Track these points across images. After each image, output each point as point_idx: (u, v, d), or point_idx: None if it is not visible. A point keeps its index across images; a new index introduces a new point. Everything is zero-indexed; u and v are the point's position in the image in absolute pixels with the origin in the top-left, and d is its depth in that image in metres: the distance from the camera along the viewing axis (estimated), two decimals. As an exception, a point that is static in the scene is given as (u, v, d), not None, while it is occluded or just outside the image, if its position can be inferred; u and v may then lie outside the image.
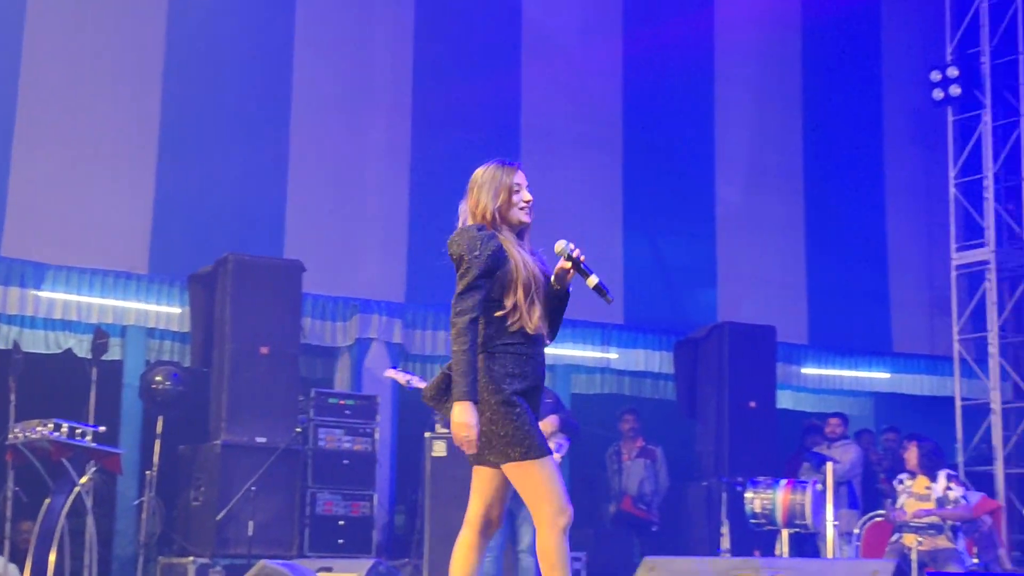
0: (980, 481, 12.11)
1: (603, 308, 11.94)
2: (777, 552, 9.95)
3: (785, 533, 9.97)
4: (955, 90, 12.67)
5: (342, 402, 10.22)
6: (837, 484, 10.81)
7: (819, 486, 9.97)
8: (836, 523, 9.82)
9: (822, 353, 13.43)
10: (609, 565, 10.63)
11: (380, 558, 9.14)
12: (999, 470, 12.21)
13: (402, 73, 11.73)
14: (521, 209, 4.94)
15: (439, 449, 9.62)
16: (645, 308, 12.34)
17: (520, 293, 4.75)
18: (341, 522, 9.95)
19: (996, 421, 12.39)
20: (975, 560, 10.23)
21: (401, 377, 8.70)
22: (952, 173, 12.95)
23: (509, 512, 8.54)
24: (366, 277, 11.36)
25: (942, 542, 9.82)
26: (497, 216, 4.88)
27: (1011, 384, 12.69)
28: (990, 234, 12.63)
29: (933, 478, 10.03)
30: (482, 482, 4.83)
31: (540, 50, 12.30)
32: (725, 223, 12.95)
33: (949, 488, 9.96)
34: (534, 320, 4.76)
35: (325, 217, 11.26)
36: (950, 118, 13.06)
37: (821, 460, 11.07)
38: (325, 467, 9.97)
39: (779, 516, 9.92)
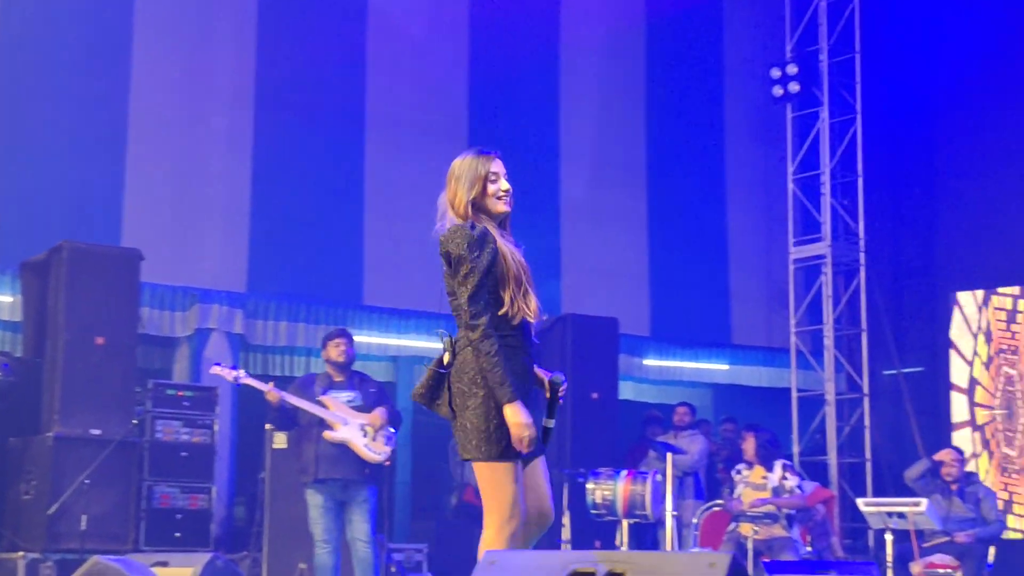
0: (814, 471, 12.40)
1: (447, 298, 11.96)
2: (617, 542, 10.06)
3: (625, 524, 10.07)
4: (794, 87, 12.93)
5: (180, 393, 10.01)
6: (684, 474, 10.96)
7: (659, 476, 10.08)
8: (676, 513, 9.94)
9: (663, 345, 13.59)
10: (451, 556, 10.62)
11: (218, 551, 8.98)
12: (832, 460, 12.51)
13: (245, 60, 11.53)
14: (499, 199, 4.84)
15: (279, 441, 9.51)
16: (489, 299, 12.33)
17: (513, 286, 4.69)
18: (178, 515, 9.75)
19: (830, 412, 12.68)
20: (808, 548, 10.46)
21: (227, 374, 8.57)
22: (791, 169, 13.22)
23: (342, 503, 8.50)
24: (206, 266, 11.16)
25: (777, 531, 10.02)
26: (471, 207, 4.78)
27: (844, 376, 13.01)
28: (826, 229, 12.92)
29: (770, 468, 10.22)
30: (525, 476, 4.77)
31: (385, 39, 12.20)
32: (569, 215, 13.02)
33: (785, 478, 10.16)
34: (532, 308, 4.72)
35: (164, 205, 11.03)
36: (789, 115, 13.32)
37: (667, 449, 11.23)
38: (162, 459, 9.76)
39: (619, 507, 10.02)
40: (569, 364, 11.74)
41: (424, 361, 12.74)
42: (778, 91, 13.01)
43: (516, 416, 4.57)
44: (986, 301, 12.55)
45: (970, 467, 11.49)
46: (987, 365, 12.50)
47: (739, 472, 10.42)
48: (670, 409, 11.99)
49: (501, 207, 4.85)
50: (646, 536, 11.06)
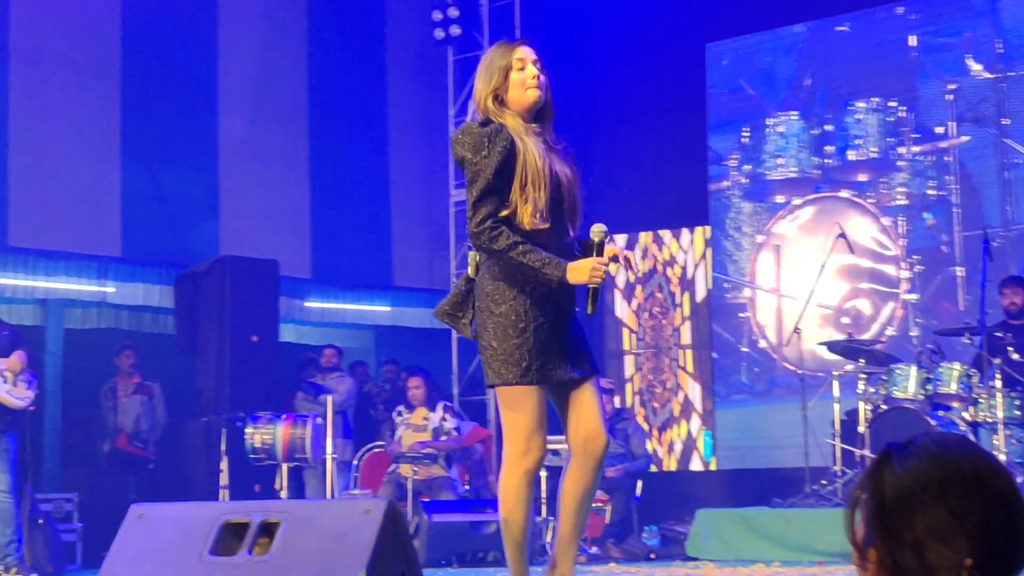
0: (474, 410, 12.62)
1: (99, 239, 11.51)
2: (277, 487, 9.98)
3: (285, 468, 10.00)
4: (455, 30, 12.99)
5: None
6: (333, 414, 10.95)
7: (319, 420, 10.05)
8: (335, 455, 9.93)
9: (325, 287, 13.52)
10: (103, 504, 10.28)
11: None
12: (491, 399, 12.74)
13: None
14: (527, 89, 4.35)
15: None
16: (145, 241, 11.94)
17: (527, 188, 4.21)
18: None
19: (489, 352, 12.89)
20: (467, 487, 10.66)
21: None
22: (451, 112, 13.31)
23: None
24: None
25: (437, 471, 10.17)
26: (495, 103, 4.32)
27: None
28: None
29: (432, 409, 10.35)
30: (570, 400, 4.41)
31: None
32: (228, 155, 12.72)
33: (444, 419, 10.31)
34: (527, 215, 4.21)
35: None
36: (451, 58, 13.39)
37: (318, 391, 11.19)
38: None
39: (279, 451, 9.94)
40: (228, 307, 11.52)
41: (74, 304, 12.22)
42: (439, 34, 13.05)
43: (579, 274, 4.15)
44: (636, 242, 13.00)
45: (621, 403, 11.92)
46: (640, 306, 12.97)
47: (400, 414, 10.50)
48: (330, 352, 11.98)
49: (531, 96, 4.35)
50: (301, 478, 11.01)
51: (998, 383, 8.75)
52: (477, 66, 4.46)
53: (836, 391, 9.67)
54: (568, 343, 4.32)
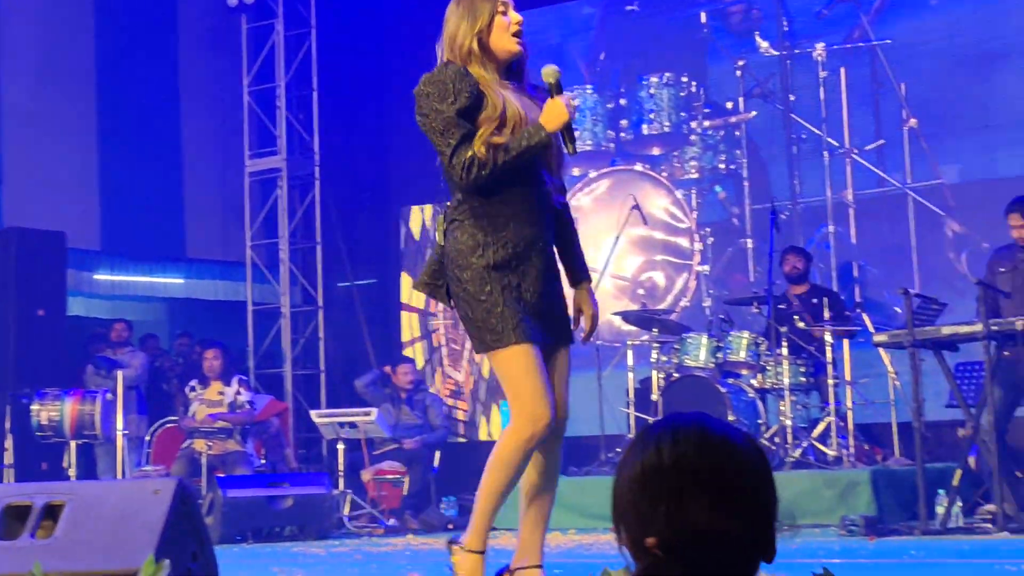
0: (270, 383, 12.48)
1: None
2: (65, 464, 9.70)
3: (73, 445, 9.73)
4: (249, -2, 12.75)
5: None
6: (126, 389, 10.69)
7: (109, 395, 9.80)
8: (127, 432, 9.71)
9: (115, 259, 13.17)
10: None
11: None
12: (288, 372, 12.62)
13: None
14: (513, 36, 4.06)
15: None
16: (-78, 212, 11.46)
17: (492, 128, 3.89)
18: None
19: (285, 325, 12.77)
20: (263, 460, 10.55)
21: None
22: (246, 81, 13.08)
23: None
24: None
25: (232, 445, 10.03)
26: (476, 48, 4.00)
27: (300, 289, 13.13)
28: (282, 142, 12.91)
29: (227, 383, 10.19)
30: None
31: None
32: (11, 122, 12.28)
33: (239, 393, 10.17)
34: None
35: None
36: (244, 26, 13.14)
37: (111, 365, 10.91)
38: None
39: (67, 428, 9.67)
40: (12, 280, 11.13)
41: None
42: (233, 1, 12.78)
43: (553, 116, 3.92)
44: (435, 216, 13.01)
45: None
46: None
47: (193, 389, 10.31)
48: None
49: (512, 45, 4.08)
50: (91, 455, 10.74)
51: (784, 351, 9.02)
52: (448, 9, 4.14)
53: (630, 360, 9.85)
54: (543, 307, 4.03)
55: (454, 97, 3.90)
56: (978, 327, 7.15)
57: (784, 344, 9.04)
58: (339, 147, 13.26)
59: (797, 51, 11.25)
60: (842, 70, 10.99)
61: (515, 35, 4.08)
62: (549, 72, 4.02)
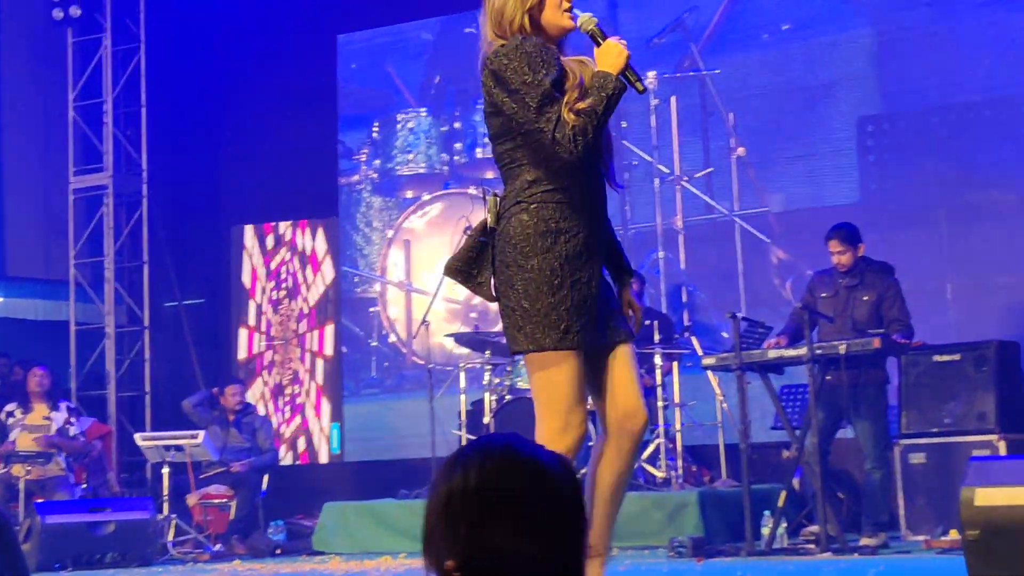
0: (93, 405, 12.14)
1: None
2: None
3: None
4: (75, 11, 12.42)
5: None
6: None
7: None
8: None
9: (-70, 276, 12.70)
10: None
11: None
12: (112, 394, 12.30)
13: None
14: (565, 11, 3.81)
15: None
16: None
17: (572, 102, 3.67)
18: None
19: (110, 345, 12.45)
20: (84, 485, 10.25)
21: None
22: (71, 96, 12.74)
23: None
24: None
25: (53, 470, 9.72)
26: (527, 23, 3.77)
27: (125, 308, 12.81)
28: (108, 159, 12.60)
29: (54, 407, 9.90)
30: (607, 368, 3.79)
31: None
32: None
33: (70, 423, 9.91)
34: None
35: None
36: (70, 40, 12.81)
37: None
38: None
39: None
40: None
41: None
42: (58, 14, 12.45)
43: (612, 58, 3.72)
44: (265, 235, 12.84)
45: (250, 398, 11.72)
46: (268, 299, 12.82)
47: (12, 414, 9.96)
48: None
49: (567, 20, 3.83)
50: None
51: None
52: None
53: (463, 383, 9.82)
54: (600, 302, 3.78)
55: (546, 69, 3.67)
56: (803, 351, 7.31)
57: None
58: (168, 165, 12.99)
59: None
60: (672, 99, 11.16)
61: (566, 10, 3.84)
62: (586, 20, 3.84)
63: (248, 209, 12.92)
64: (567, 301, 3.65)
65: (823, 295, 8.00)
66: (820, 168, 10.66)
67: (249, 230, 12.96)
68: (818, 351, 7.27)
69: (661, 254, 11.06)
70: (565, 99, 3.68)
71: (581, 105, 3.66)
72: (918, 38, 10.44)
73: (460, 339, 10.08)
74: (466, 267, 3.81)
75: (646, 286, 10.36)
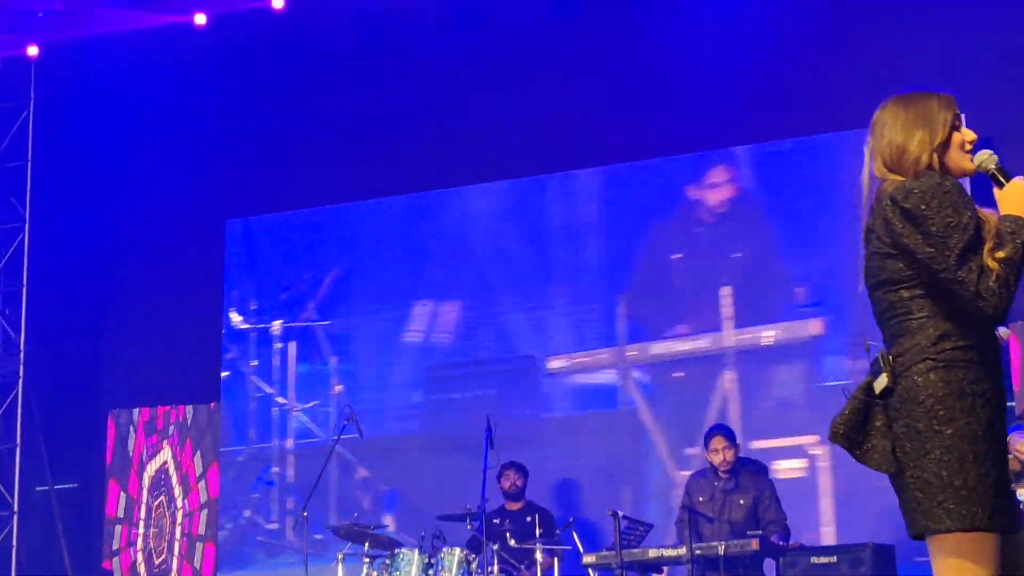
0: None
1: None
2: None
3: None
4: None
5: None
6: None
7: None
8: None
9: None
10: None
11: None
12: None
13: None
14: (966, 154, 3.45)
15: None
16: None
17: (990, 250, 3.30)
18: None
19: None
20: None
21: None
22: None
23: None
24: None
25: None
26: (935, 163, 3.39)
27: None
28: (-15, 339, 12.40)
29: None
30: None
31: None
32: None
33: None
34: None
35: None
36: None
37: None
38: None
39: None
40: None
41: None
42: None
43: (1013, 199, 3.34)
44: (141, 419, 12.60)
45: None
46: (141, 485, 12.53)
47: None
48: None
49: (969, 164, 3.46)
50: None
51: (495, 568, 8.98)
52: (884, 113, 3.54)
53: (341, 574, 9.61)
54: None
55: (970, 212, 3.31)
56: (682, 551, 7.31)
57: (495, 561, 9.00)
58: (47, 346, 12.79)
59: (261, 325, 12.21)
60: (291, 344, 12.11)
61: (966, 152, 3.50)
62: (987, 157, 3.49)
63: (126, 392, 12.71)
64: (993, 474, 3.24)
65: (700, 499, 8.03)
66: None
67: (125, 413, 12.71)
68: (697, 551, 7.28)
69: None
70: (986, 247, 3.31)
71: (1000, 254, 3.28)
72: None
73: (339, 530, 9.90)
74: (852, 432, 3.39)
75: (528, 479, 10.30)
